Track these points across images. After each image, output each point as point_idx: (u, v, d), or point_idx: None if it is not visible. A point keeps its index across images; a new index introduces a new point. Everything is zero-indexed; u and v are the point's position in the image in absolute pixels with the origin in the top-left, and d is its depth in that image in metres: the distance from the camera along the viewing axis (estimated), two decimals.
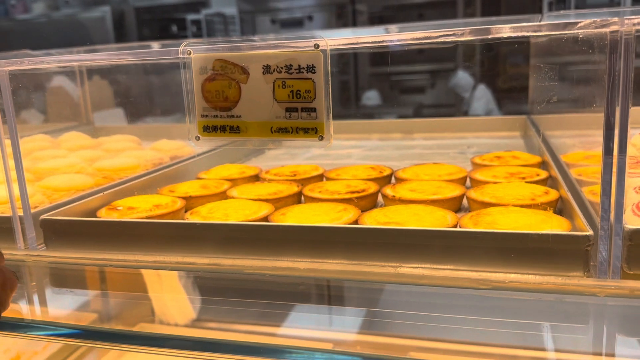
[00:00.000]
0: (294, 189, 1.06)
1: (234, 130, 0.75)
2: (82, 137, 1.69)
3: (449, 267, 0.73)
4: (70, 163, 1.28)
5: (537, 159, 1.18)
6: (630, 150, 1.09)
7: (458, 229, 0.76)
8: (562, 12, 2.63)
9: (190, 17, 4.24)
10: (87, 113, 2.20)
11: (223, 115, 0.75)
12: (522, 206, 0.86)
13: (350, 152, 1.61)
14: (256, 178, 1.21)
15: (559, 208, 0.91)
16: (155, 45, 1.86)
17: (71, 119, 2.14)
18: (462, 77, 3.37)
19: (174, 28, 4.38)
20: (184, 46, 0.74)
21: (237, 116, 0.74)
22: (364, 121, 1.97)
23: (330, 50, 0.70)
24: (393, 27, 1.65)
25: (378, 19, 3.77)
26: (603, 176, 0.66)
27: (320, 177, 1.19)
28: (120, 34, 4.26)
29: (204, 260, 0.80)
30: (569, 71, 1.16)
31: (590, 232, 0.67)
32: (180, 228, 0.83)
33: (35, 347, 1.24)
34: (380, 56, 3.65)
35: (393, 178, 1.16)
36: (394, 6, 3.72)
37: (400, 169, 1.17)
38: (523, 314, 0.71)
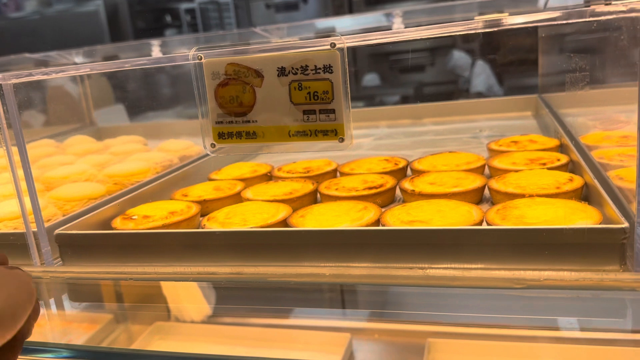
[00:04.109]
0: (309, 187, 1.04)
1: (251, 135, 0.72)
2: (87, 140, 1.67)
3: (479, 266, 0.71)
4: (79, 170, 1.26)
5: (555, 142, 1.15)
6: None
7: (488, 227, 0.73)
8: None
9: (184, 6, 4.18)
10: (90, 113, 2.18)
11: (238, 121, 0.72)
12: (548, 196, 0.83)
13: (361, 142, 1.58)
14: (269, 176, 1.19)
15: (584, 194, 0.89)
16: (155, 43, 1.82)
17: (74, 120, 2.12)
18: (460, 57, 3.32)
19: (168, 18, 4.33)
20: (195, 51, 0.72)
21: (253, 121, 0.72)
22: (370, 108, 1.94)
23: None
24: (397, 11, 1.61)
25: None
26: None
27: (334, 172, 1.17)
28: (115, 27, 4.21)
29: (225, 270, 0.78)
30: (584, 45, 1.12)
31: (626, 224, 0.65)
32: (199, 237, 0.82)
33: None
34: None
35: (409, 170, 1.14)
36: None
37: (416, 160, 1.14)
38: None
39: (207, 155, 1.31)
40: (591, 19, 0.64)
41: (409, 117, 1.80)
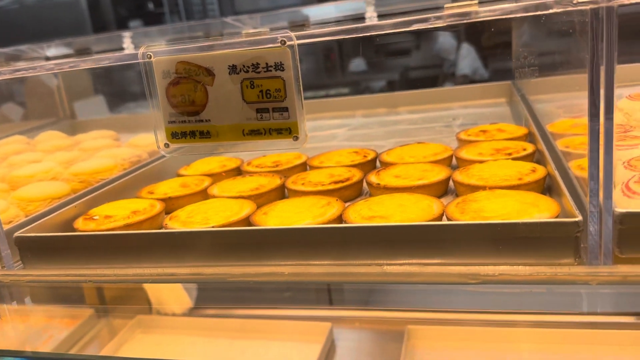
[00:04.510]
0: (276, 182, 1.03)
1: (204, 135, 0.71)
2: (58, 136, 1.64)
3: (437, 261, 0.71)
4: (46, 168, 1.24)
5: (523, 130, 1.15)
6: (616, 117, 1.07)
7: (442, 222, 0.73)
8: None
9: None
10: (64, 107, 2.15)
11: (191, 120, 0.71)
12: (509, 187, 0.83)
13: (335, 132, 1.57)
14: (238, 171, 1.18)
15: (548, 185, 0.89)
16: (126, 35, 1.79)
17: (49, 114, 2.08)
18: (445, 41, 3.31)
19: (151, 5, 4.27)
20: (144, 49, 0.70)
21: (206, 120, 0.71)
22: (347, 97, 1.93)
23: (299, 44, 0.66)
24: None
25: None
26: (590, 146, 0.62)
27: (303, 166, 1.16)
28: (96, 16, 4.14)
29: (185, 270, 0.77)
30: (552, 31, 1.11)
31: (579, 218, 0.65)
32: (158, 238, 0.81)
33: None
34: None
35: (378, 161, 1.13)
36: None
37: (384, 152, 1.14)
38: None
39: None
40: (549, 11, 0.63)
41: (385, 106, 1.79)
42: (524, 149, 1.01)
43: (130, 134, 1.60)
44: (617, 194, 0.70)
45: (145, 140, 1.41)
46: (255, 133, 0.70)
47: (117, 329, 2.13)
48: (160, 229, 0.92)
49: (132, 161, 1.26)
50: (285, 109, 0.68)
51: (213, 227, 0.83)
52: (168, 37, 2.03)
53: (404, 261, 0.72)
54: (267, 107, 0.68)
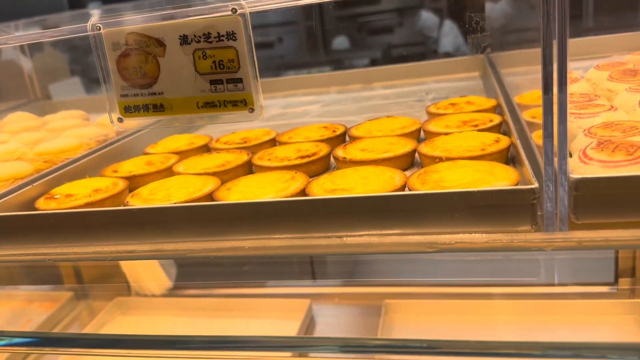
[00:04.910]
0: (244, 158, 1.02)
1: (158, 108, 0.70)
2: (26, 117, 1.61)
3: (396, 231, 0.70)
4: (11, 149, 1.21)
5: (492, 102, 1.14)
6: (582, 87, 1.07)
7: (399, 193, 0.73)
8: None
9: None
10: (35, 88, 2.10)
11: (144, 94, 0.69)
12: (472, 158, 0.83)
13: (308, 109, 1.56)
14: (206, 148, 1.17)
15: (512, 155, 0.89)
16: (96, 14, 1.75)
17: (19, 96, 2.04)
18: (427, 18, 3.30)
19: None
20: (94, 21, 0.68)
21: (159, 93, 0.69)
22: (322, 74, 1.91)
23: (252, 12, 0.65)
24: None
25: None
26: (544, 117, 0.63)
27: (272, 142, 1.15)
28: None
29: (144, 247, 0.76)
30: (519, 2, 1.11)
31: (535, 185, 0.65)
32: (117, 216, 0.79)
33: None
34: None
35: (347, 136, 1.12)
36: None
37: (353, 126, 1.13)
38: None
39: (143, 129, 1.27)
40: None
41: (360, 82, 1.77)
42: (491, 121, 1.01)
43: (99, 113, 1.57)
44: (574, 161, 0.70)
45: None
46: (210, 105, 0.68)
47: (97, 311, 2.11)
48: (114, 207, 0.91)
49: (99, 140, 1.24)
50: (240, 80, 0.66)
51: (174, 203, 0.82)
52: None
53: (364, 232, 0.71)
54: (220, 78, 0.67)
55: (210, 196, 0.85)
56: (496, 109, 1.13)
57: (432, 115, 1.15)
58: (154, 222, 0.79)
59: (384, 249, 0.69)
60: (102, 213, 0.81)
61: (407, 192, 0.72)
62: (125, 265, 1.90)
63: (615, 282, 1.67)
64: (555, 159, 0.62)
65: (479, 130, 0.96)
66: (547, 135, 0.62)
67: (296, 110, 1.55)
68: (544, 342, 0.61)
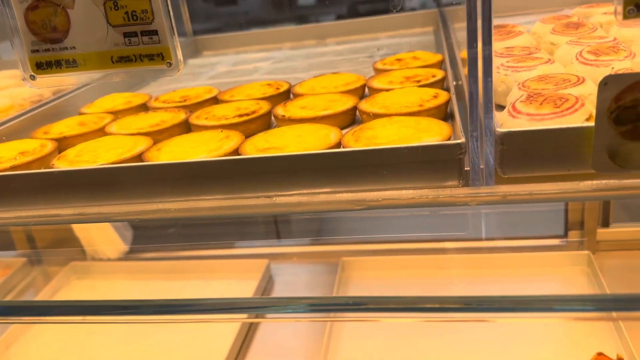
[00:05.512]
0: (180, 117, 0.98)
1: (71, 64, 0.66)
2: None
3: (326, 190, 0.69)
4: None
5: (438, 58, 1.13)
6: (525, 40, 1.05)
7: (328, 150, 0.71)
8: None
9: None
10: None
11: (55, 49, 0.65)
12: (409, 114, 0.82)
13: (258, 66, 1.51)
14: (144, 107, 1.12)
15: (451, 111, 0.88)
16: None
17: None
18: None
19: None
20: None
21: (71, 48, 0.65)
22: (274, 29, 1.85)
23: None
24: None
25: None
26: (469, 72, 0.61)
27: (214, 100, 1.11)
28: None
29: (68, 211, 0.73)
30: None
31: (462, 140, 0.64)
32: (39, 179, 0.76)
33: None
34: None
35: (291, 94, 1.09)
36: None
37: (297, 84, 1.10)
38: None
39: (80, 88, 1.22)
40: None
41: (314, 38, 1.73)
42: (433, 76, 0.99)
43: None
44: (504, 115, 0.69)
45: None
46: (126, 60, 0.64)
47: (52, 276, 2.07)
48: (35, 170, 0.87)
49: (33, 101, 1.18)
50: (155, 32, 0.63)
51: (100, 165, 0.79)
52: None
53: (295, 192, 0.70)
54: (134, 30, 0.63)
55: (139, 157, 0.82)
56: (442, 65, 1.11)
57: (377, 72, 1.13)
58: (79, 185, 0.76)
59: (313, 207, 0.68)
60: (24, 176, 0.77)
61: (335, 149, 0.71)
62: (78, 230, 1.85)
63: (565, 235, 1.71)
64: (481, 112, 0.61)
65: (420, 86, 0.95)
66: (472, 90, 0.61)
67: (246, 67, 1.51)
68: (468, 296, 0.61)
